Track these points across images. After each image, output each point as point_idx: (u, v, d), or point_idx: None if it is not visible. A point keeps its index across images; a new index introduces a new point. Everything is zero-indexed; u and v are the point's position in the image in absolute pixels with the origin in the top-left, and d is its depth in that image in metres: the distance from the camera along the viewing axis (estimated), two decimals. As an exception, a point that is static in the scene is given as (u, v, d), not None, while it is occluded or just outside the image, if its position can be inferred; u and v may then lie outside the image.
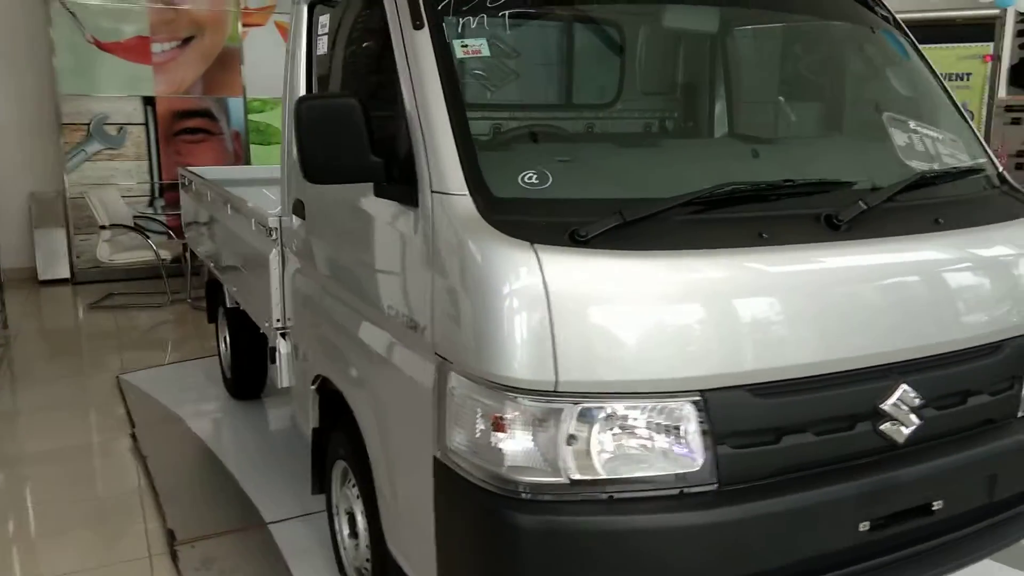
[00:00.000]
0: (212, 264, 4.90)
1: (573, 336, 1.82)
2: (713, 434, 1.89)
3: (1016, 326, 2.33)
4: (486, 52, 2.18)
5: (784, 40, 2.60)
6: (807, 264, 2.04)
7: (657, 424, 1.87)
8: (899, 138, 2.56)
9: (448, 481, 2.02)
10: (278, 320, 3.40)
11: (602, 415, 1.85)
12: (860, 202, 2.15)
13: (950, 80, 8.16)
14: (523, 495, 1.87)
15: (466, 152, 2.01)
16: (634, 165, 2.22)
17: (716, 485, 1.90)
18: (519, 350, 1.83)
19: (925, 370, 2.14)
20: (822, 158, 2.44)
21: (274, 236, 3.36)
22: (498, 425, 1.89)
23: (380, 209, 2.26)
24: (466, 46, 2.16)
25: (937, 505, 2.18)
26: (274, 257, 3.36)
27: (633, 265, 1.88)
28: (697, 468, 1.89)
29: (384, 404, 2.36)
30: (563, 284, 1.83)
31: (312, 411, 3.12)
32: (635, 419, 1.86)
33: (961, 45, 7.99)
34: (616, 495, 1.87)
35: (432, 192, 2.01)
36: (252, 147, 9.14)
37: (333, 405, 3.01)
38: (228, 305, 4.75)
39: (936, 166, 2.52)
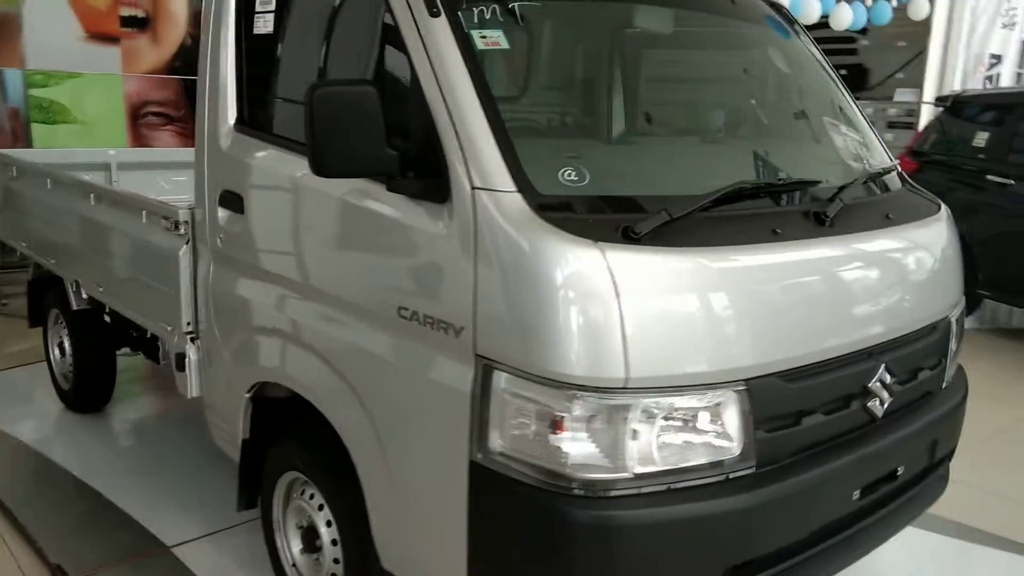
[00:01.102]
0: (51, 260, 4.35)
1: (641, 332, 1.84)
2: (754, 420, 1.98)
3: (944, 308, 2.64)
4: (505, 44, 2.13)
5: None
6: (819, 257, 2.19)
7: (709, 414, 1.94)
8: (833, 139, 2.79)
9: (492, 485, 1.97)
10: (188, 324, 3.10)
11: (663, 408, 1.89)
12: (839, 199, 2.33)
13: None
14: (589, 493, 1.87)
15: (507, 147, 1.96)
16: (660, 160, 2.27)
17: (754, 468, 2.00)
18: (589, 348, 1.83)
19: (894, 350, 2.38)
20: (788, 157, 2.62)
21: (183, 231, 3.06)
22: (558, 424, 1.87)
23: (392, 205, 2.14)
24: (485, 37, 2.09)
25: (900, 470, 2.44)
26: (184, 255, 3.05)
27: (690, 261, 1.93)
28: (739, 453, 1.98)
29: (387, 412, 2.24)
30: (630, 281, 1.84)
31: (244, 421, 2.89)
32: (691, 410, 1.92)
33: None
34: (673, 485, 1.91)
35: (473, 189, 1.94)
36: (34, 126, 8.17)
37: (276, 414, 2.82)
38: (75, 307, 4.25)
39: (864, 165, 2.78)
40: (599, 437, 1.86)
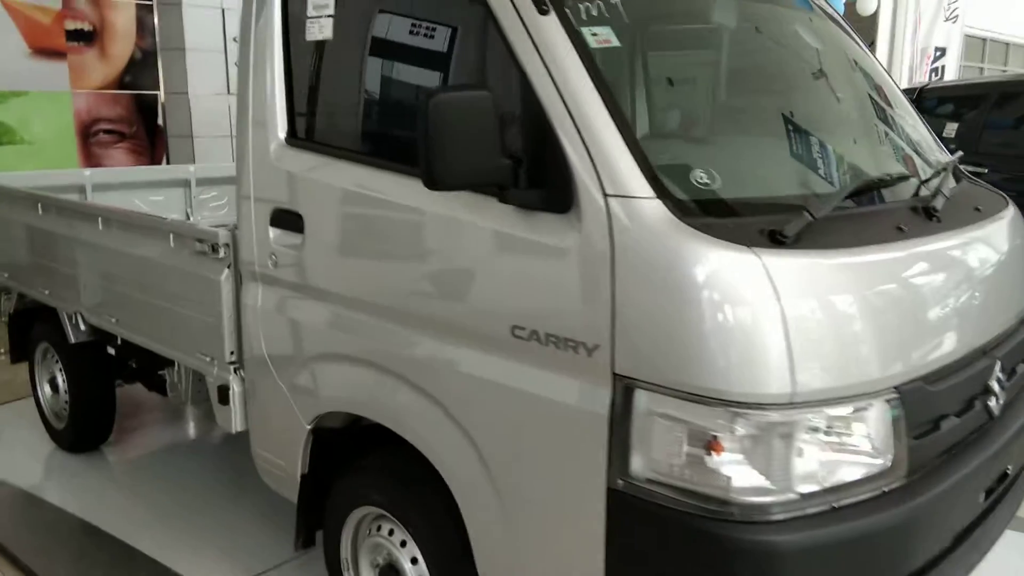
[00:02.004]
0: (44, 292, 4.06)
1: (804, 342, 1.74)
2: (905, 428, 1.90)
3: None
4: (616, 42, 2.00)
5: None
6: (946, 253, 2.12)
7: (866, 425, 1.84)
8: (903, 130, 2.73)
9: (636, 513, 1.84)
10: (232, 353, 2.89)
11: (825, 422, 1.78)
12: (941, 192, 2.27)
13: None
14: (753, 517, 1.75)
15: (640, 151, 1.84)
16: (777, 158, 2.17)
17: (905, 479, 1.91)
18: (752, 362, 1.71)
19: (1004, 345, 2.32)
20: (880, 150, 2.54)
21: (222, 255, 2.85)
22: (714, 445, 1.75)
23: (501, 218, 1.99)
24: (595, 34, 1.96)
25: (1010, 468, 2.38)
26: (225, 280, 2.84)
27: (842, 263, 1.84)
28: (892, 465, 1.89)
29: (497, 439, 2.08)
30: (791, 287, 1.74)
31: (303, 455, 2.70)
32: (849, 422, 1.82)
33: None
34: (835, 504, 1.81)
35: (607, 197, 1.81)
36: (-21, 148, 7.74)
37: (339, 446, 2.65)
38: (74, 340, 3.97)
39: (933, 156, 2.72)
40: (763, 457, 1.75)
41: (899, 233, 2.03)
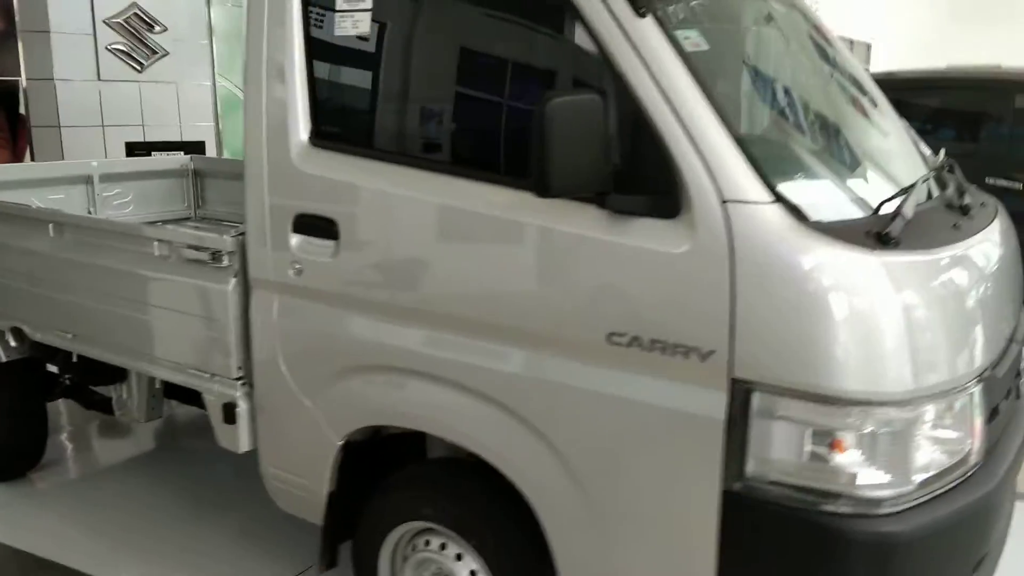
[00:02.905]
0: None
1: (922, 340, 1.81)
2: (983, 414, 2.01)
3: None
4: (705, 46, 2.00)
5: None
6: (996, 247, 2.25)
7: (962, 414, 1.94)
8: (899, 130, 2.87)
9: (756, 514, 1.86)
10: (239, 369, 2.70)
11: (937, 415, 1.87)
12: (967, 190, 2.41)
13: None
14: (876, 511, 1.81)
15: (752, 156, 1.85)
16: (852, 157, 2.23)
17: (979, 464, 2.03)
18: (876, 362, 1.77)
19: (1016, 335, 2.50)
20: (901, 148, 2.65)
21: (226, 263, 2.64)
22: (837, 443, 1.80)
23: (596, 224, 1.95)
24: (687, 38, 1.95)
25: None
26: (233, 291, 2.64)
27: (943, 261, 1.92)
28: (975, 449, 2.00)
29: (590, 448, 2.05)
30: (907, 288, 1.81)
31: (332, 472, 2.57)
32: (952, 413, 1.91)
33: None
34: (938, 492, 1.90)
35: (725, 203, 1.81)
36: None
37: (381, 460, 2.54)
38: (5, 359, 3.60)
39: (929, 155, 2.88)
40: (884, 452, 1.81)
41: (958, 231, 2.14)
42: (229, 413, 2.73)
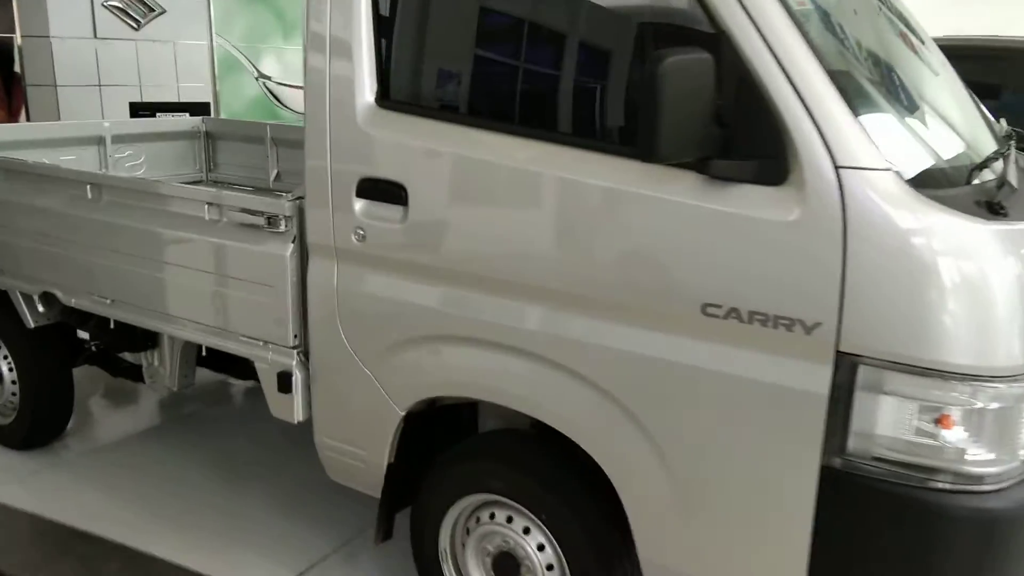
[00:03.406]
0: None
1: None
2: None
3: None
4: (810, 5, 1.93)
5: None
6: None
7: None
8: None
9: (855, 490, 1.83)
10: (295, 337, 2.63)
11: None
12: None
13: None
14: (984, 487, 1.78)
15: (866, 121, 1.79)
16: (954, 125, 2.17)
17: None
18: (991, 335, 1.73)
19: None
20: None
21: (283, 228, 2.56)
22: (945, 419, 1.77)
23: (693, 191, 1.89)
24: (793, -3, 1.87)
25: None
26: (291, 256, 2.57)
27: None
28: None
29: (677, 422, 2.01)
30: (1019, 260, 1.76)
31: (392, 443, 2.52)
32: None
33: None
34: None
35: (838, 169, 1.75)
36: None
37: (449, 431, 2.50)
38: (33, 324, 3.51)
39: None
40: (993, 428, 1.77)
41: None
42: (284, 382, 2.66)
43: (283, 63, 8.46)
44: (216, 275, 2.75)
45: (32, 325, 3.51)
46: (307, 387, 2.69)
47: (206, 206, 2.72)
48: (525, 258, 2.15)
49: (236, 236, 2.68)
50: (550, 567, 2.35)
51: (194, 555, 3.05)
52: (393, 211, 2.34)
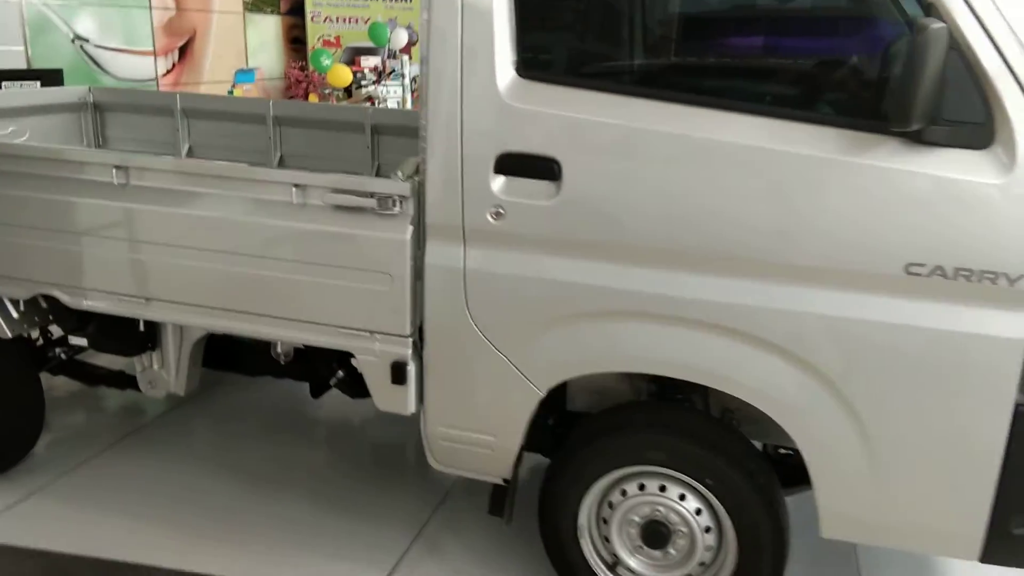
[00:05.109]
0: None
1: None
2: None
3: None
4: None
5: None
6: None
7: None
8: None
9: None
10: (411, 327, 2.48)
11: None
12: None
13: (396, 1, 9.03)
14: None
15: None
16: None
17: None
18: None
19: None
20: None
21: (397, 210, 2.39)
22: None
23: (895, 155, 1.98)
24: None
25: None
26: (410, 240, 2.40)
27: None
28: None
29: (875, 378, 2.11)
30: None
31: (524, 427, 2.47)
32: None
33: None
34: None
35: None
36: None
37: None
38: (10, 334, 3.04)
39: None
40: None
41: None
42: (399, 373, 2.50)
43: (102, 22, 7.64)
44: (306, 264, 2.51)
45: (8, 334, 3.04)
46: (419, 377, 2.55)
47: (292, 189, 2.47)
48: (712, 229, 2.15)
49: (333, 221, 2.46)
50: (707, 529, 2.41)
51: (268, 570, 2.82)
52: (541, 187, 2.26)
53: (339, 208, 2.45)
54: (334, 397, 3.17)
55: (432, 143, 2.33)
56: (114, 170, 2.65)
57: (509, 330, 2.40)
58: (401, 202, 2.39)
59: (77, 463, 3.47)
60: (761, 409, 2.23)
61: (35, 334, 3.34)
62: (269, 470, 3.47)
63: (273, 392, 4.17)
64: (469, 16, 2.24)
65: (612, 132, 2.19)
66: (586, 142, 2.22)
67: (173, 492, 3.28)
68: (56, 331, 3.33)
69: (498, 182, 2.30)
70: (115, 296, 2.79)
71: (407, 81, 8.54)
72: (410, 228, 2.40)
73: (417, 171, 2.43)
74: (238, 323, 2.68)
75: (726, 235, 2.15)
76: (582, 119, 2.21)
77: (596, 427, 2.51)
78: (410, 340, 2.49)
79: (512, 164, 2.28)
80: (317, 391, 3.24)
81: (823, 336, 2.13)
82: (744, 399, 2.24)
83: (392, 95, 8.48)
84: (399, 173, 2.44)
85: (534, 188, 2.27)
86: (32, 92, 5.04)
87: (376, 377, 2.56)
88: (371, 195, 2.40)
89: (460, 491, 3.32)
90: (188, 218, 2.62)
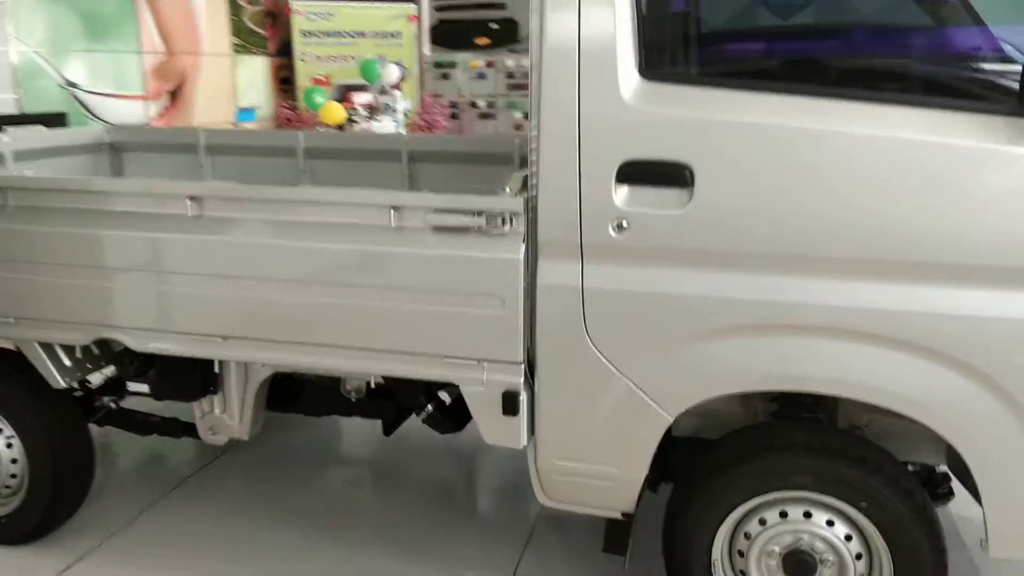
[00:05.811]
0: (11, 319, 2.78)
1: None
2: None
3: None
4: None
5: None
6: None
7: None
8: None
9: None
10: (523, 353, 2.30)
11: None
12: None
13: (384, 38, 8.95)
14: None
15: None
16: None
17: None
18: None
19: None
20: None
21: (507, 228, 2.22)
22: None
23: None
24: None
25: None
26: (522, 260, 2.23)
27: None
28: None
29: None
30: None
31: (652, 454, 2.30)
32: None
33: (388, 5, 8.85)
34: None
35: None
36: None
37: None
38: (63, 384, 2.81)
39: None
40: None
41: None
42: (510, 403, 2.32)
43: (92, 68, 7.46)
44: (405, 290, 2.32)
45: (62, 384, 2.80)
46: (531, 407, 2.36)
47: (391, 211, 2.29)
48: (867, 231, 2.01)
49: (435, 243, 2.28)
50: (858, 556, 2.24)
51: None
52: (670, 195, 2.11)
53: (441, 229, 2.28)
54: (372, 434, 2.96)
55: (544, 154, 2.18)
56: (188, 201, 2.46)
57: (633, 351, 2.23)
58: (512, 219, 2.22)
59: (125, 521, 3.21)
60: (929, 426, 2.07)
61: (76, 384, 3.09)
62: (332, 516, 3.23)
63: (319, 432, 3.95)
64: (587, 16, 2.09)
65: (753, 132, 2.05)
66: (722, 144, 2.07)
67: (233, 547, 3.03)
68: (95, 380, 3.11)
69: (621, 192, 2.14)
70: (187, 336, 2.56)
71: (399, 116, 8.44)
72: (522, 247, 2.23)
73: (525, 186, 2.27)
74: (325, 359, 2.47)
75: (885, 237, 2.00)
76: (717, 119, 2.07)
77: (728, 453, 2.33)
78: (522, 367, 2.31)
79: (637, 172, 2.13)
80: (390, 428, 3.04)
81: (989, 339, 1.99)
82: (913, 417, 2.08)
83: (387, 131, 8.37)
84: (507, 189, 2.28)
85: (662, 197, 2.12)
86: (53, 133, 4.80)
87: (485, 409, 2.36)
88: (479, 214, 2.23)
89: (545, 527, 3.11)
90: (272, 248, 2.41)
